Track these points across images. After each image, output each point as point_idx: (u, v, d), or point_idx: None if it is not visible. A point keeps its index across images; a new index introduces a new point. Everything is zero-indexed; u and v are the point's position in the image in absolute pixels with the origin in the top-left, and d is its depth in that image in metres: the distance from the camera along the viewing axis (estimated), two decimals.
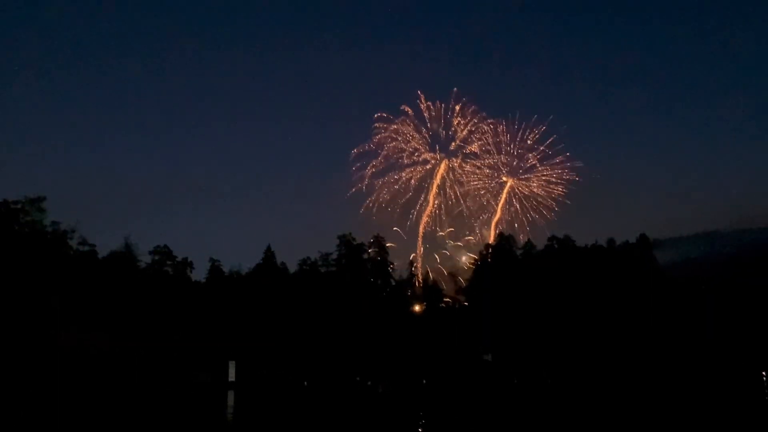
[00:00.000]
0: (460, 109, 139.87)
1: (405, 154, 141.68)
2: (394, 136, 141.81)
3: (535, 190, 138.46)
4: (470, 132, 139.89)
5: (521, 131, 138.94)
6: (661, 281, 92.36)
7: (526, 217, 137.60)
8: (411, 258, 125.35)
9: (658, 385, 63.17)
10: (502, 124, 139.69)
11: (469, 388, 69.27)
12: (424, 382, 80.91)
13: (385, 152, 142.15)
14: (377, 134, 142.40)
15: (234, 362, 72.12)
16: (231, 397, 57.13)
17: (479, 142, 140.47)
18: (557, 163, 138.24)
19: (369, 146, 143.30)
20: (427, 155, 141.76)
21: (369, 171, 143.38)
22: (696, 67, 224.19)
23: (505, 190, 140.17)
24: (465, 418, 37.15)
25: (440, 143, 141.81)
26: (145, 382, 58.29)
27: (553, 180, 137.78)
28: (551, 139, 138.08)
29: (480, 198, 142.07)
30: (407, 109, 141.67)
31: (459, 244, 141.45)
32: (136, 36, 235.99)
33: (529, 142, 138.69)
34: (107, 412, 40.26)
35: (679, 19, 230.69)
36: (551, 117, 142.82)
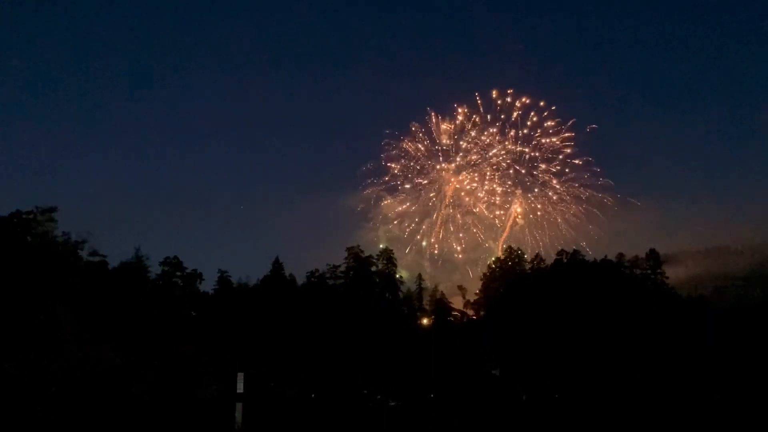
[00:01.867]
0: (471, 124, 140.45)
1: (414, 171, 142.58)
2: (403, 152, 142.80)
3: (550, 211, 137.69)
4: (482, 148, 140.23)
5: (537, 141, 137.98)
6: (668, 298, 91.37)
7: (534, 236, 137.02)
8: (419, 271, 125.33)
9: (660, 402, 62.52)
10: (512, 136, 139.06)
11: (476, 402, 68.83)
12: (432, 396, 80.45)
13: (394, 168, 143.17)
14: (386, 150, 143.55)
15: (242, 374, 72.17)
16: (239, 409, 57.05)
17: (489, 158, 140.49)
18: (579, 179, 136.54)
19: (379, 162, 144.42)
20: (436, 172, 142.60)
21: (379, 186, 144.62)
22: (714, 80, 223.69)
23: (515, 207, 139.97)
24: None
25: (450, 160, 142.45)
26: (155, 394, 58.34)
27: (567, 199, 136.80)
28: (569, 149, 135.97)
29: (490, 212, 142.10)
30: (416, 125, 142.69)
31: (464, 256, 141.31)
32: (148, 51, 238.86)
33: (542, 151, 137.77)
34: (116, 423, 40.29)
35: (696, 28, 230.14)
36: (572, 120, 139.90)
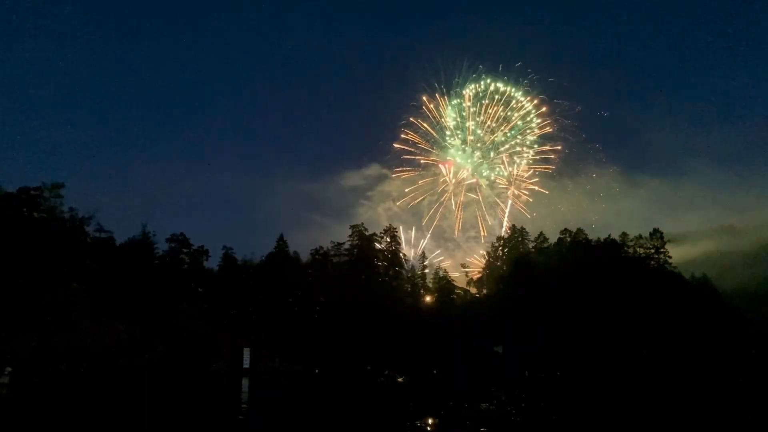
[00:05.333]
0: (472, 107, 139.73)
1: (418, 150, 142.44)
2: (408, 132, 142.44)
3: (553, 190, 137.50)
4: (486, 127, 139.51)
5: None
6: (670, 278, 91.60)
7: (538, 215, 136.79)
8: (423, 249, 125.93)
9: (662, 382, 63.21)
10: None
11: (479, 378, 69.76)
12: (435, 372, 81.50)
13: (398, 147, 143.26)
14: (392, 130, 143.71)
15: (248, 350, 73.28)
16: (245, 383, 58.10)
17: (493, 137, 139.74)
18: (583, 159, 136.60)
19: (383, 141, 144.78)
20: (440, 151, 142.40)
21: (383, 164, 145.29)
22: (716, 58, 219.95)
23: (519, 186, 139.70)
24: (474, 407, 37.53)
25: (453, 138, 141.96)
26: (162, 369, 59.37)
27: (571, 179, 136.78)
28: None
29: (494, 191, 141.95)
30: (422, 104, 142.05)
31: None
32: (155, 30, 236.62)
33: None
34: (125, 398, 41.19)
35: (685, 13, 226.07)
36: (578, 108, 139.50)
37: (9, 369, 43.87)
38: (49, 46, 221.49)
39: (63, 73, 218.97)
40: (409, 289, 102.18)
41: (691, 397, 47.34)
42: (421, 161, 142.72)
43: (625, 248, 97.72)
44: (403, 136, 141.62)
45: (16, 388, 41.68)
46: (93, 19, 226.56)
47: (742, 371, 73.66)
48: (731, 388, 57.35)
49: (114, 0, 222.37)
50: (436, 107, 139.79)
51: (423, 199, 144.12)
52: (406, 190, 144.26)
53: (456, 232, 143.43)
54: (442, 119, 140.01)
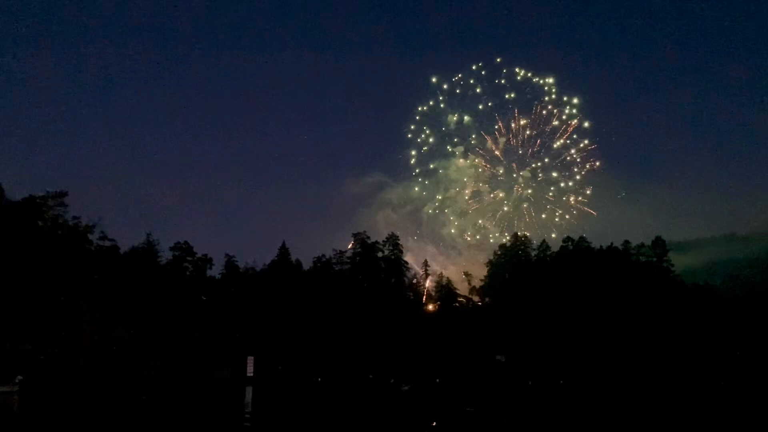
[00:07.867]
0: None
1: (421, 156, 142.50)
2: (411, 138, 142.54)
3: (556, 197, 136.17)
4: (488, 132, 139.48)
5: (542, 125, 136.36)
6: (672, 286, 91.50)
7: (540, 222, 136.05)
8: (425, 257, 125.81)
9: (665, 389, 63.07)
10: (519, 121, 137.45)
11: (481, 387, 69.67)
12: (437, 381, 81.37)
13: (402, 154, 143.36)
14: (395, 136, 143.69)
15: (252, 358, 73.48)
16: (249, 391, 58.15)
17: (493, 141, 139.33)
18: (586, 167, 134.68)
19: (387, 148, 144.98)
20: (443, 157, 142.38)
21: (386, 172, 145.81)
22: (722, 65, 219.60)
23: (522, 193, 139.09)
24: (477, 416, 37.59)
25: (456, 144, 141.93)
26: (166, 376, 59.57)
27: (574, 186, 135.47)
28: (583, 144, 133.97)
29: (496, 198, 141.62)
30: (425, 108, 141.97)
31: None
32: (161, 35, 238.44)
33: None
34: (130, 404, 41.36)
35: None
36: (579, 117, 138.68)
37: (20, 377, 43.99)
38: (53, 55, 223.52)
39: (66, 81, 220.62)
40: (412, 297, 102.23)
41: (688, 404, 47.30)
42: (425, 167, 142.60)
43: (628, 256, 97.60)
44: (409, 142, 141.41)
45: (26, 397, 41.89)
46: (95, 28, 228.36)
47: (742, 378, 73.46)
48: (727, 395, 57.27)
49: (114, 7, 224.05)
50: (439, 113, 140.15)
51: (424, 206, 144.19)
52: (408, 195, 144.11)
53: (461, 239, 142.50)
54: (446, 124, 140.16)
